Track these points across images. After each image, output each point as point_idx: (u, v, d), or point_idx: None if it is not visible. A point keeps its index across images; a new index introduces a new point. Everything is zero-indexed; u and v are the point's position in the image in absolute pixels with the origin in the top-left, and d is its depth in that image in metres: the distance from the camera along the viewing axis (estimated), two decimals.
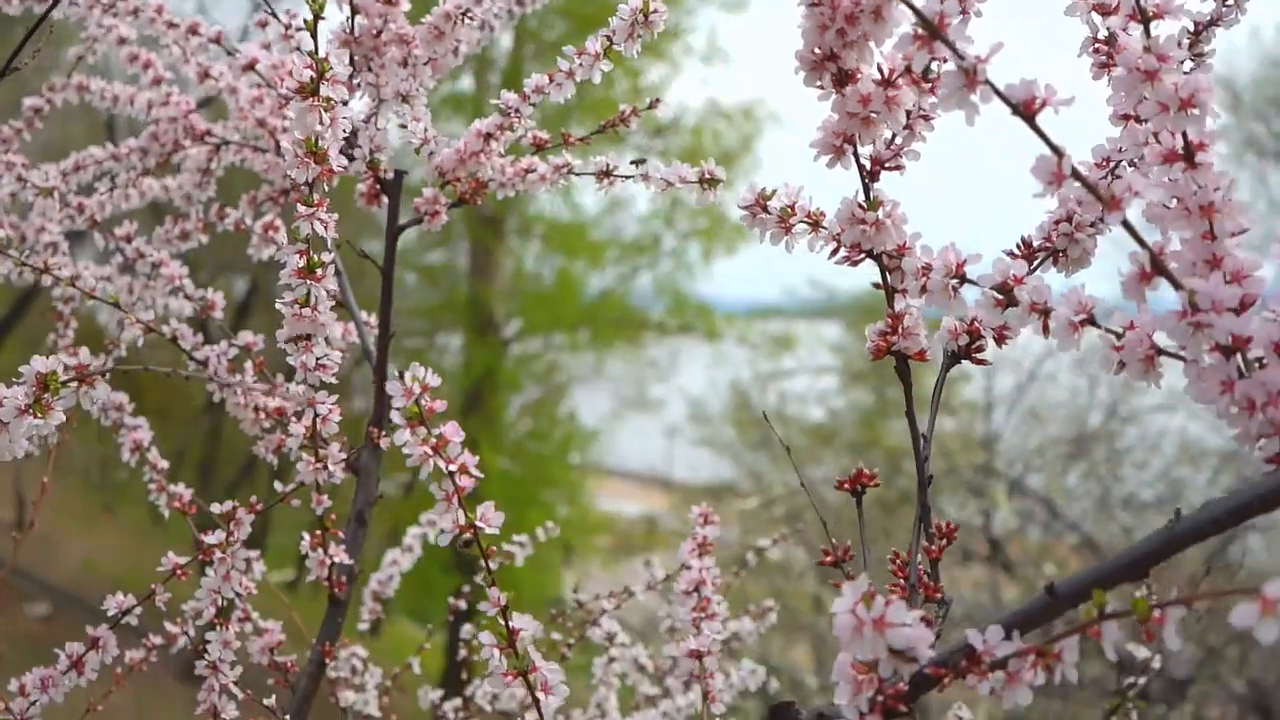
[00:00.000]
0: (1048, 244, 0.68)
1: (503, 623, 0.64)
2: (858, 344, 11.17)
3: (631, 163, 0.98)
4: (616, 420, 12.24)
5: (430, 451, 0.61)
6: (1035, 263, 0.68)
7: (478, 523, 0.63)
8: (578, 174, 0.97)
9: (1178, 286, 0.51)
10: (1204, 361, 0.52)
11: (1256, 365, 0.52)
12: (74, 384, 0.64)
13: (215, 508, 0.87)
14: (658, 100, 1.01)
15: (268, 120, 1.13)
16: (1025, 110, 0.51)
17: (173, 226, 1.18)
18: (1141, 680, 1.05)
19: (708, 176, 0.84)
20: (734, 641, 1.45)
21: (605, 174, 0.94)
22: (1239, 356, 0.51)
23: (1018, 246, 0.69)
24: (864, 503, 0.66)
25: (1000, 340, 0.67)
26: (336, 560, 0.97)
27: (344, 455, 0.90)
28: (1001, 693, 0.51)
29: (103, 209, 1.15)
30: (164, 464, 1.10)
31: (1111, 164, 0.68)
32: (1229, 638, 6.24)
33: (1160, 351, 0.54)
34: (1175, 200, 0.55)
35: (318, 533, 0.95)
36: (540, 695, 0.64)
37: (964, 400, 9.24)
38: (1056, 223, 0.69)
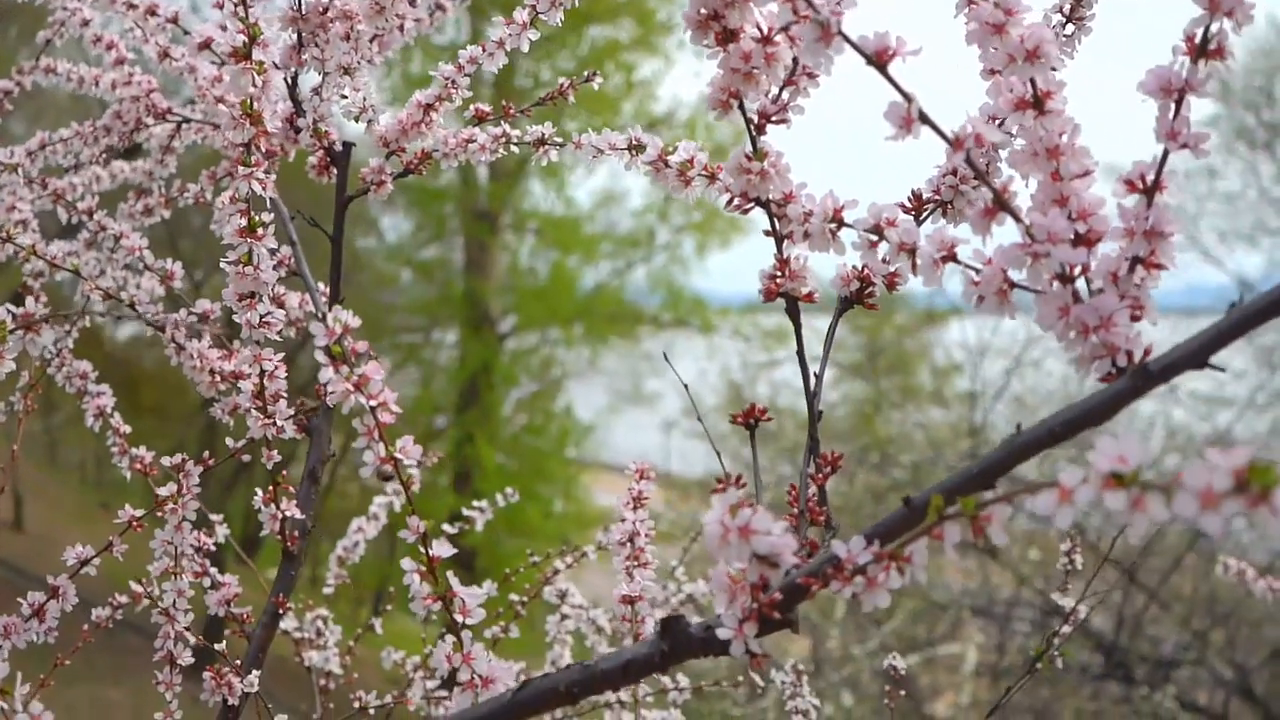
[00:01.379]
0: (936, 196, 0.73)
1: (423, 550, 0.69)
2: (851, 337, 11.22)
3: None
4: (612, 414, 12.28)
5: (352, 388, 0.66)
6: (924, 213, 0.73)
7: (397, 454, 0.67)
8: (515, 143, 1.01)
9: (1019, 221, 0.56)
10: (1048, 290, 0.56)
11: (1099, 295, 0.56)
12: (19, 331, 0.68)
13: (165, 460, 0.92)
14: (595, 73, 1.05)
15: (226, 98, 1.17)
16: (878, 60, 0.55)
17: (135, 202, 1.22)
18: (1066, 629, 1.09)
19: (635, 143, 0.88)
20: (690, 603, 1.50)
21: (541, 142, 0.99)
22: (1075, 285, 0.56)
23: (908, 198, 0.73)
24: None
25: (890, 286, 0.71)
26: (289, 515, 1.01)
27: (292, 412, 0.94)
28: (862, 595, 0.56)
29: (74, 190, 1.20)
30: (126, 429, 1.14)
31: (997, 120, 0.73)
32: (1214, 621, 6.30)
33: (1013, 285, 0.59)
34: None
35: (270, 488, 1.00)
36: (459, 618, 0.68)
37: (956, 393, 9.29)
38: (943, 175, 0.73)
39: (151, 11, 1.13)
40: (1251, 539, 6.74)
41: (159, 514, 0.96)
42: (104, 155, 1.22)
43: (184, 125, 1.22)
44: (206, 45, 1.09)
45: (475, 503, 1.43)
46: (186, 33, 1.13)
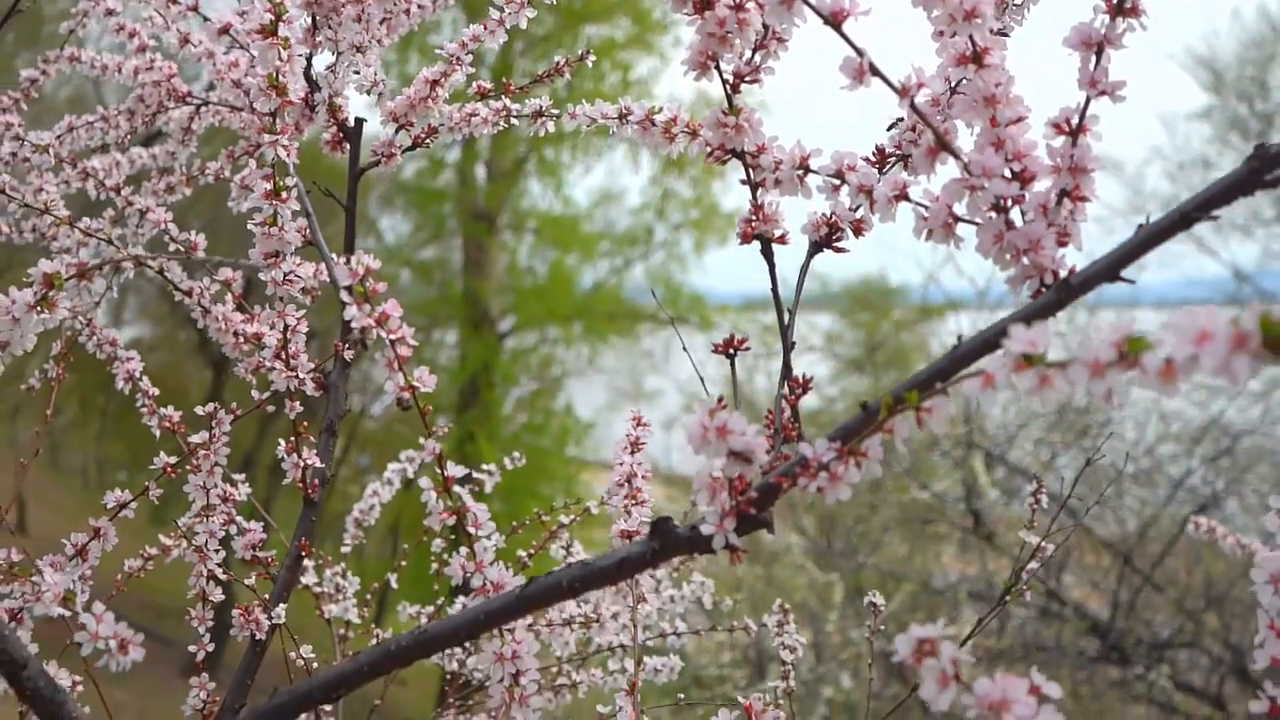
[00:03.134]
0: (897, 149, 0.81)
1: (439, 470, 0.77)
2: (851, 332, 11.29)
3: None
4: (612, 412, 12.35)
5: (374, 324, 0.74)
6: (887, 165, 0.81)
7: (415, 383, 0.75)
8: (516, 116, 1.09)
9: (958, 159, 0.63)
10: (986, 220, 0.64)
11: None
12: (74, 280, 0.76)
13: (198, 409, 1.00)
14: (588, 53, 1.13)
15: (243, 81, 1.25)
16: (834, 20, 0.63)
17: (159, 180, 1.30)
18: (1033, 565, 1.16)
19: (624, 111, 0.96)
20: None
21: (539, 114, 1.07)
22: (1009, 215, 0.64)
23: (872, 152, 0.81)
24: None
25: (857, 232, 0.79)
26: (310, 464, 1.09)
27: (312, 366, 1.02)
28: (825, 489, 0.63)
29: (102, 169, 1.27)
30: (155, 391, 1.22)
31: (946, 77, 0.81)
32: (1208, 603, 6.38)
33: (957, 218, 0.67)
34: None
35: (292, 439, 1.08)
36: (472, 531, 0.76)
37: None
38: (904, 132, 0.81)
39: (172, 0, 1.21)
40: (1246, 522, 6.82)
41: (190, 463, 1.04)
42: (126, 139, 1.30)
43: (203, 108, 1.30)
44: (225, 30, 1.17)
45: (484, 465, 1.50)
46: (206, 19, 1.21)
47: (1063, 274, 0.62)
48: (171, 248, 1.20)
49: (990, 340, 0.62)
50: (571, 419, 11.88)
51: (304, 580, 1.40)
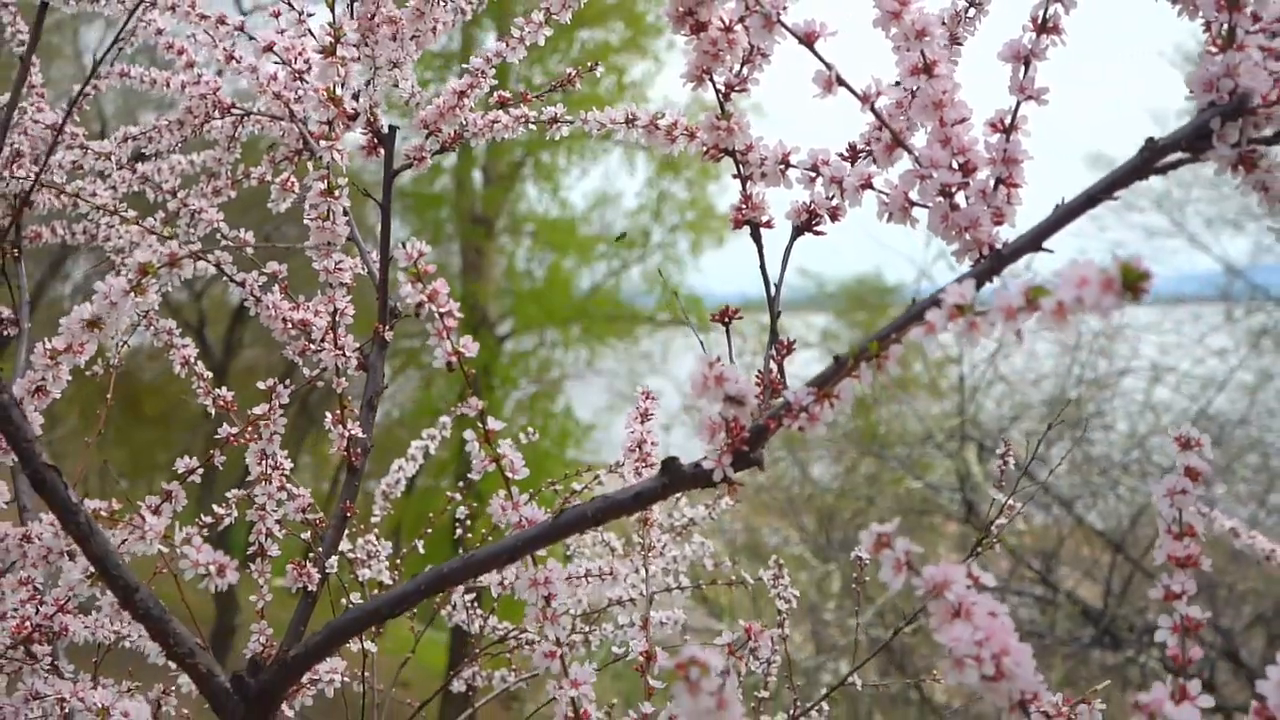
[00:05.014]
0: (867, 146, 0.94)
1: (481, 425, 0.90)
2: (848, 331, 11.42)
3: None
4: (611, 414, 12.47)
5: (426, 299, 0.87)
6: (859, 160, 0.94)
7: (460, 349, 0.89)
8: (532, 122, 1.23)
9: (910, 153, 0.77)
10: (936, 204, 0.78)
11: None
12: (166, 268, 0.90)
13: (260, 384, 1.13)
14: (596, 63, 1.27)
15: (282, 93, 1.38)
16: (808, 40, 0.77)
17: (207, 184, 1.44)
18: (995, 531, 1.30)
19: (630, 116, 1.09)
20: (691, 525, 1.71)
21: (554, 120, 1.20)
22: (954, 199, 0.77)
23: (846, 148, 0.94)
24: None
25: (833, 217, 0.93)
26: (353, 434, 1.22)
27: (358, 345, 1.16)
28: (805, 428, 0.77)
29: (159, 172, 1.41)
30: (208, 374, 1.35)
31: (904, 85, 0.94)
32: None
33: (911, 202, 0.80)
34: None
35: (338, 411, 1.21)
36: (509, 475, 0.90)
37: (953, 383, 9.52)
38: (870, 131, 0.95)
39: (221, 21, 1.34)
40: (1237, 511, 6.95)
41: (248, 432, 1.18)
42: (178, 145, 1.44)
43: (246, 118, 1.44)
44: (269, 48, 1.30)
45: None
46: (251, 38, 1.35)
47: (998, 246, 0.76)
48: (222, 244, 1.34)
49: (935, 299, 0.75)
50: (571, 421, 11.99)
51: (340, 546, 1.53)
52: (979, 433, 6.45)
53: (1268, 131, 0.70)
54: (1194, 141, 0.69)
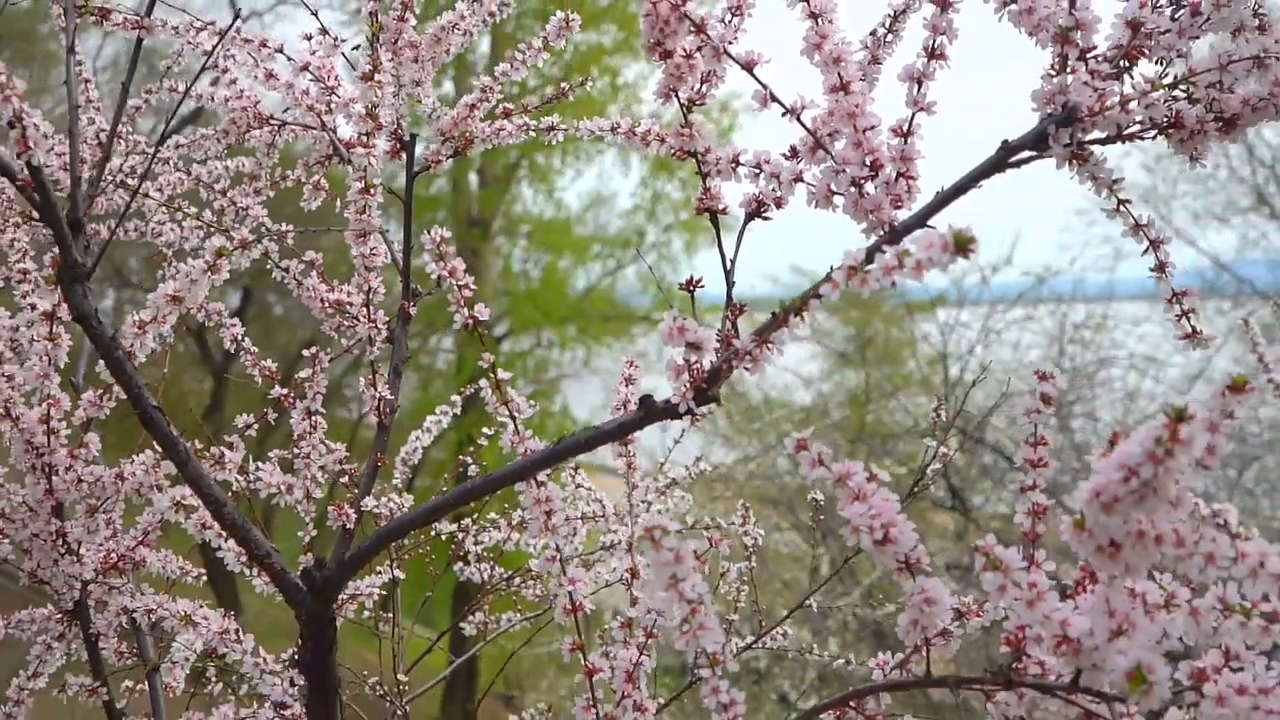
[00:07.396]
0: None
1: (493, 375, 1.12)
2: (842, 329, 11.63)
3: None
4: (608, 413, 12.63)
5: (447, 274, 1.09)
6: (799, 159, 1.16)
7: (476, 314, 1.11)
8: (534, 130, 1.45)
9: (828, 153, 0.99)
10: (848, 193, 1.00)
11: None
12: (237, 250, 1.11)
13: (305, 352, 1.35)
14: (586, 79, 1.49)
15: (315, 106, 1.60)
16: (747, 66, 0.99)
17: (248, 185, 1.66)
18: (936, 467, 1.51)
19: (615, 124, 1.31)
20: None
21: (552, 128, 1.42)
22: (864, 189, 0.99)
23: (789, 148, 1.16)
24: None
25: (778, 205, 1.15)
26: (384, 395, 1.44)
27: (388, 319, 1.38)
28: (750, 369, 0.98)
29: (210, 174, 1.63)
30: (254, 349, 1.57)
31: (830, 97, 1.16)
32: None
33: (833, 192, 1.02)
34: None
35: (369, 375, 1.43)
36: (515, 415, 1.12)
37: (942, 380, 9.76)
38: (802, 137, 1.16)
39: (264, 44, 1.56)
40: (1218, 496, 7.18)
41: (293, 392, 1.40)
42: (225, 151, 1.65)
43: (283, 127, 1.66)
44: (305, 68, 1.52)
45: (485, 430, 1.86)
46: (289, 59, 1.57)
47: (895, 225, 0.98)
48: (268, 235, 1.56)
49: (871, 250, 0.97)
50: (568, 420, 12.20)
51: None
52: (963, 421, 6.68)
53: (1094, 135, 0.92)
54: (1037, 143, 0.91)
